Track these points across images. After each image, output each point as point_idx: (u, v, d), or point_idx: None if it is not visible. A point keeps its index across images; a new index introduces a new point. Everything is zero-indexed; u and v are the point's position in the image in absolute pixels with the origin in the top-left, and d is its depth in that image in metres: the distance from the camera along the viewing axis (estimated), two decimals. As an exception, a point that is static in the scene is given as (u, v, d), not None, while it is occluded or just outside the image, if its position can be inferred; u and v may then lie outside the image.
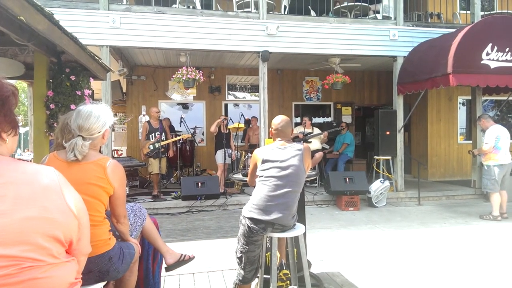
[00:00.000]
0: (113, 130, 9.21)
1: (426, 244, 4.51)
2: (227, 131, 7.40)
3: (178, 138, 7.60)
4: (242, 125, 7.78)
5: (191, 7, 7.21)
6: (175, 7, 7.13)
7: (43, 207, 1.05)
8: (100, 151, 1.99)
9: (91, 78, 3.60)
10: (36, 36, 2.55)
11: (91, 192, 1.78)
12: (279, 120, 2.65)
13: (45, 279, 1.02)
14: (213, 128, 7.33)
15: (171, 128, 8.59)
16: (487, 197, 6.78)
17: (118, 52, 7.47)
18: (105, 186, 1.82)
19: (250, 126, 8.42)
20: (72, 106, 3.12)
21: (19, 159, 1.21)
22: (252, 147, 7.85)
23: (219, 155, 7.34)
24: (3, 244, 0.97)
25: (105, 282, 1.93)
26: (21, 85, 11.62)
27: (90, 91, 3.51)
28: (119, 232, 2.04)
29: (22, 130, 16.32)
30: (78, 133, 1.82)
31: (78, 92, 3.30)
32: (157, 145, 6.74)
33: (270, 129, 2.68)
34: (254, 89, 9.92)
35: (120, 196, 1.92)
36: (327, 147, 8.68)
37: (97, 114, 1.87)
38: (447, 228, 5.30)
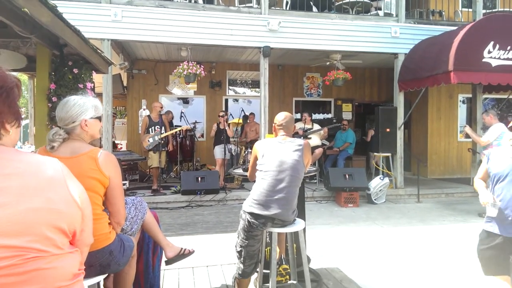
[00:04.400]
0: (113, 124, 9.21)
1: (425, 242, 4.53)
2: (228, 127, 7.41)
3: (177, 129, 7.61)
4: (241, 120, 7.79)
5: (192, 1, 7.18)
6: (177, 1, 7.09)
7: (47, 198, 1.05)
8: (100, 146, 1.98)
9: (93, 71, 3.60)
10: (39, 28, 2.54)
11: (87, 185, 1.68)
12: (283, 116, 2.64)
13: (49, 270, 1.03)
14: (212, 133, 7.53)
15: (170, 123, 8.58)
16: (486, 195, 6.79)
17: (119, 46, 7.45)
18: (99, 177, 1.77)
19: (248, 122, 8.43)
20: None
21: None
22: (251, 142, 7.88)
23: (217, 150, 7.40)
24: (8, 234, 0.98)
25: (106, 274, 1.95)
26: (22, 77, 11.60)
27: (92, 84, 3.51)
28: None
29: (22, 122, 16.31)
30: (58, 124, 1.79)
31: (81, 85, 3.30)
32: (156, 138, 6.73)
33: (274, 124, 2.67)
34: (255, 84, 9.90)
35: (116, 186, 1.84)
36: (327, 143, 8.69)
37: (73, 103, 1.81)
38: (446, 226, 5.32)
